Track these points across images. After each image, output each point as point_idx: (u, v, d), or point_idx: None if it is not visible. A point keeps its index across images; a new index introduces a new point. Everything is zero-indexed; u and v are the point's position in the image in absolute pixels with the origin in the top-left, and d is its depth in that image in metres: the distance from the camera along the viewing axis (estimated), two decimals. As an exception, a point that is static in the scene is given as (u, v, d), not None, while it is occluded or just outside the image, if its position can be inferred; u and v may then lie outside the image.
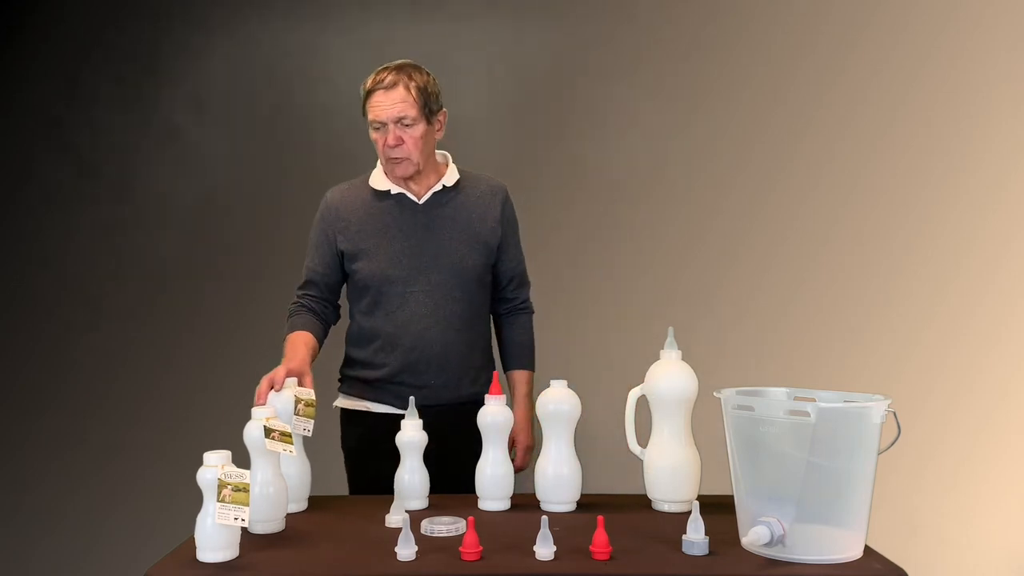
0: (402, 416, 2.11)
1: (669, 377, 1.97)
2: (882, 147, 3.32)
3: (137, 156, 3.84)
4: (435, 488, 2.08)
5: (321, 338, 2.35)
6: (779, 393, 1.81)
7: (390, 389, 2.36)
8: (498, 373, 2.13)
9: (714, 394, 1.75)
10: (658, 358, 2.01)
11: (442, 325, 2.35)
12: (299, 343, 2.24)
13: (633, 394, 2.00)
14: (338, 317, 2.47)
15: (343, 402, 2.47)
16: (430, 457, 2.09)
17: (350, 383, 2.45)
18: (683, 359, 2.00)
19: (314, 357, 2.25)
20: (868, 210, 3.34)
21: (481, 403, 2.07)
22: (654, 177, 3.54)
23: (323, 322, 2.39)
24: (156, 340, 3.75)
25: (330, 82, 3.80)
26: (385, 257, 2.34)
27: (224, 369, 3.59)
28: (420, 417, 2.09)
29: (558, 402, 2.00)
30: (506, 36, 3.70)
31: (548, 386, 2.07)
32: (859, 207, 3.34)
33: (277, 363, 2.13)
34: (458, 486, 2.13)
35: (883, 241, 3.31)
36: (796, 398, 1.77)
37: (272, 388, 2.02)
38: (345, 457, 2.48)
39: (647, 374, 2.00)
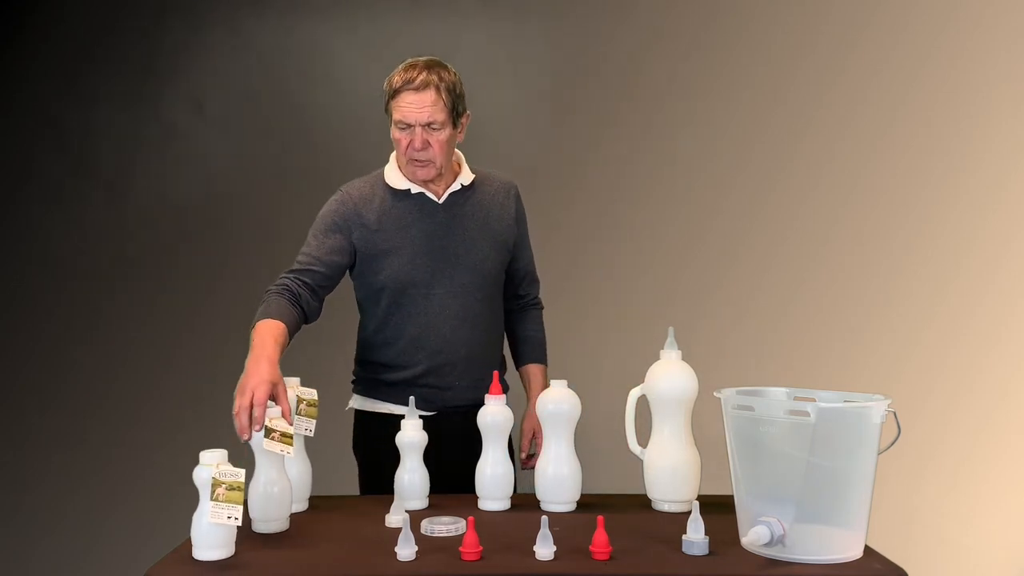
0: (427, 417, 2.13)
1: (669, 377, 1.97)
2: (882, 147, 3.32)
3: (137, 156, 3.84)
4: (467, 490, 2.07)
5: (294, 331, 2.13)
6: (779, 393, 1.81)
7: (414, 391, 2.25)
8: (498, 373, 2.13)
9: (714, 394, 1.75)
10: (658, 358, 2.01)
11: (467, 327, 2.31)
12: (268, 339, 2.00)
13: (633, 394, 2.00)
14: (318, 316, 2.27)
15: (360, 404, 2.40)
16: (456, 459, 2.09)
17: (368, 384, 2.39)
18: (683, 359, 2.00)
19: (283, 353, 2.04)
20: (868, 210, 3.33)
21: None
22: (654, 177, 3.54)
23: (302, 313, 2.18)
24: (156, 340, 3.74)
25: (330, 81, 3.80)
26: (407, 258, 2.27)
27: (224, 369, 3.57)
28: (446, 419, 2.09)
29: (558, 402, 2.00)
30: (506, 36, 3.70)
31: (548, 386, 2.07)
32: (859, 207, 3.34)
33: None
34: None
35: (883, 241, 3.31)
36: (796, 398, 1.77)
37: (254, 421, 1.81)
38: (360, 460, 2.40)
39: (647, 374, 2.00)
